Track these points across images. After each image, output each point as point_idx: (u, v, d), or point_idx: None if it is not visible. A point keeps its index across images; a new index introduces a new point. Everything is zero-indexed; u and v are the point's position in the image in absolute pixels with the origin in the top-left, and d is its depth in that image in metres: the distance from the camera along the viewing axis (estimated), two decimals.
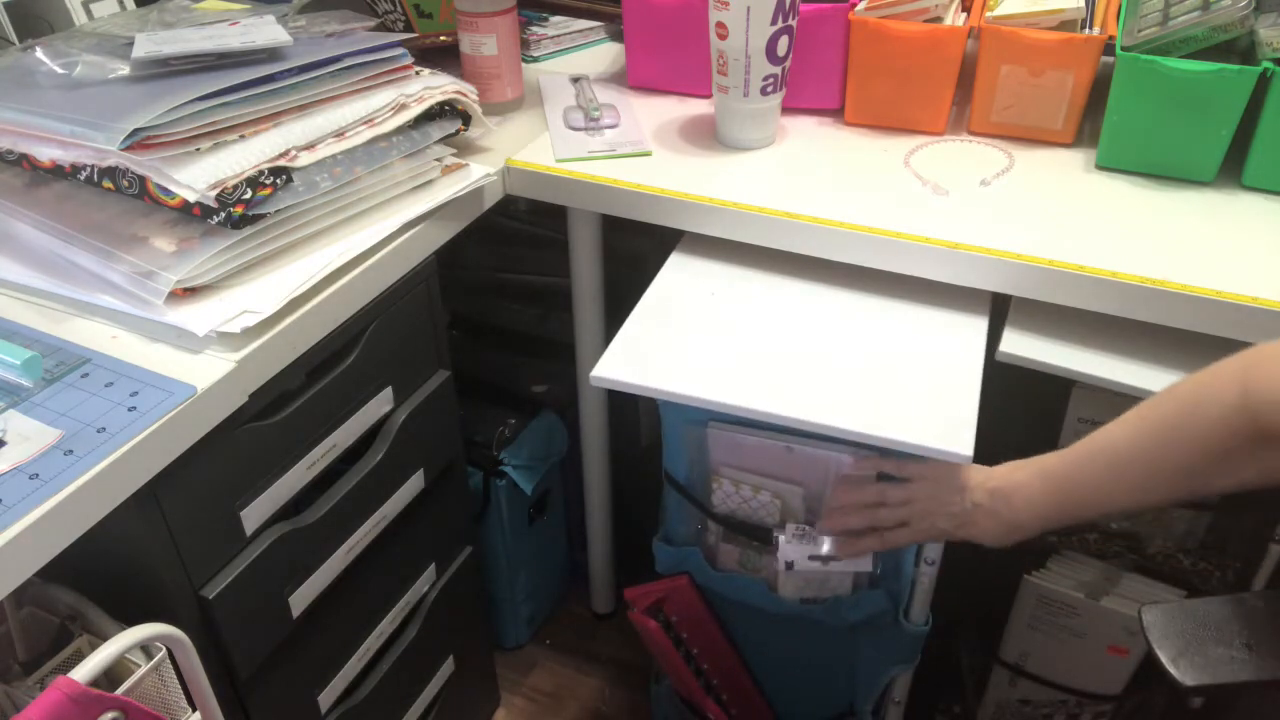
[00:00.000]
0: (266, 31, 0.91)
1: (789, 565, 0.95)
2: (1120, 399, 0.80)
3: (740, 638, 1.13)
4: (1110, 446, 0.73)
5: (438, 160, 0.96)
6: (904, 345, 0.90)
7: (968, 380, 0.86)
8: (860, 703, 1.11)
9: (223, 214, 0.79)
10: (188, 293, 0.80)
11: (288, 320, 0.81)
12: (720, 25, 0.98)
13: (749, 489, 0.96)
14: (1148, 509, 0.83)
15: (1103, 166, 1.00)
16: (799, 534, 0.93)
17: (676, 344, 0.90)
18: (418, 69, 0.98)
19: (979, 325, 0.92)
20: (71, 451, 0.67)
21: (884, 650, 1.03)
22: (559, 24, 1.33)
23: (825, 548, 0.93)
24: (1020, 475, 0.79)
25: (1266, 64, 0.89)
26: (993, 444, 0.84)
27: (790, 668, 1.14)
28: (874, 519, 0.88)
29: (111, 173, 0.82)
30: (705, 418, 0.94)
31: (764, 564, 1.01)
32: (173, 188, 0.78)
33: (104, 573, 0.79)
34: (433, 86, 0.96)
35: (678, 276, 1.00)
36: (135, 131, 0.77)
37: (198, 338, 0.76)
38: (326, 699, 1.03)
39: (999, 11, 1.01)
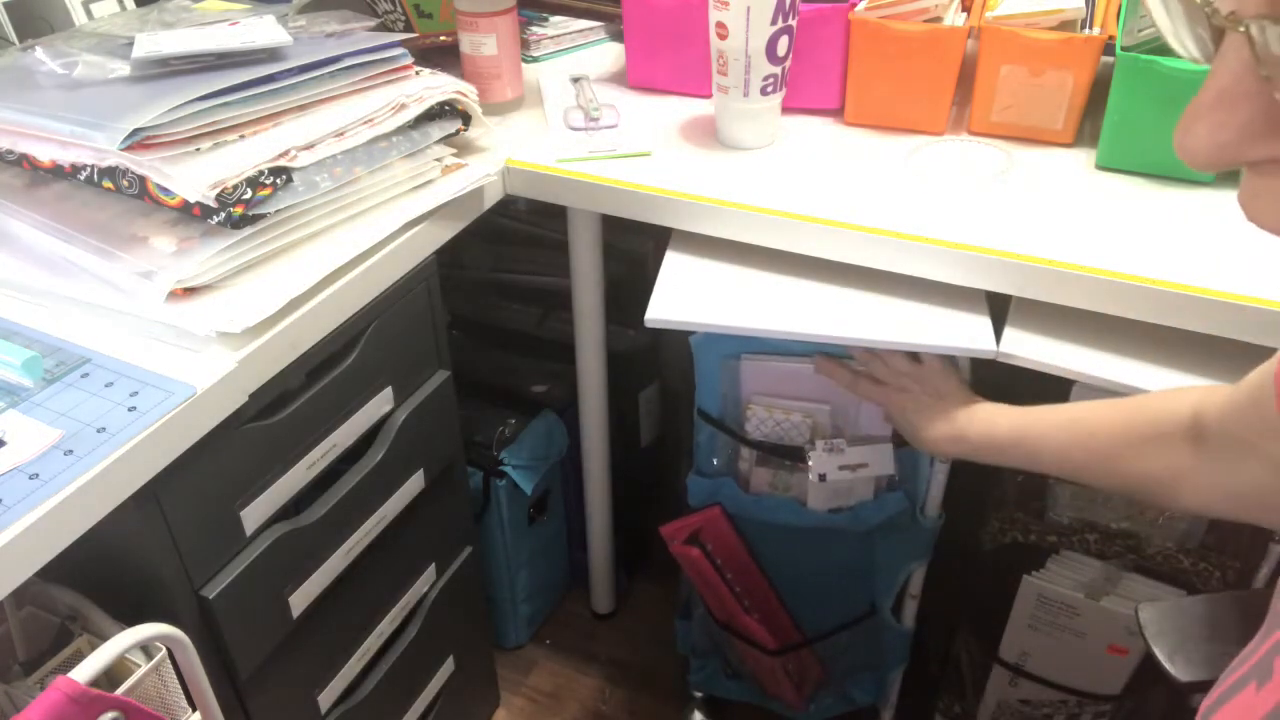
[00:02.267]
0: (266, 31, 0.91)
1: (822, 477, 1.05)
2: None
3: (767, 559, 1.22)
4: (1078, 433, 0.82)
5: (438, 160, 0.96)
6: (911, 315, 0.96)
7: (978, 312, 0.94)
8: (881, 600, 1.21)
9: (223, 214, 0.79)
10: (188, 292, 0.79)
11: (288, 320, 0.81)
12: (720, 25, 0.98)
13: (780, 413, 1.05)
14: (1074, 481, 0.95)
15: (1103, 166, 1.00)
16: (829, 448, 1.04)
17: (710, 293, 0.98)
18: (418, 69, 0.98)
19: (982, 320, 0.93)
20: (71, 451, 0.67)
21: (902, 548, 1.13)
22: (559, 24, 1.33)
23: (853, 459, 1.05)
24: (992, 407, 0.91)
25: None
26: None
27: (814, 580, 1.23)
28: (879, 372, 0.99)
29: (111, 173, 0.82)
30: (738, 351, 1.03)
31: (794, 482, 1.11)
32: (173, 188, 0.78)
33: (104, 573, 0.79)
34: (433, 86, 0.96)
35: (682, 260, 1.03)
36: (135, 131, 0.77)
37: (198, 338, 0.76)
38: (326, 699, 1.03)
39: (999, 11, 1.01)
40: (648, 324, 0.95)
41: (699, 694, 1.44)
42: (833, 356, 1.01)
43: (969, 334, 0.91)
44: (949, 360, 0.96)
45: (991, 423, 0.89)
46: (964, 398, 0.93)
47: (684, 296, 0.97)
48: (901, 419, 0.98)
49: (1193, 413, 0.72)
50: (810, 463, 1.05)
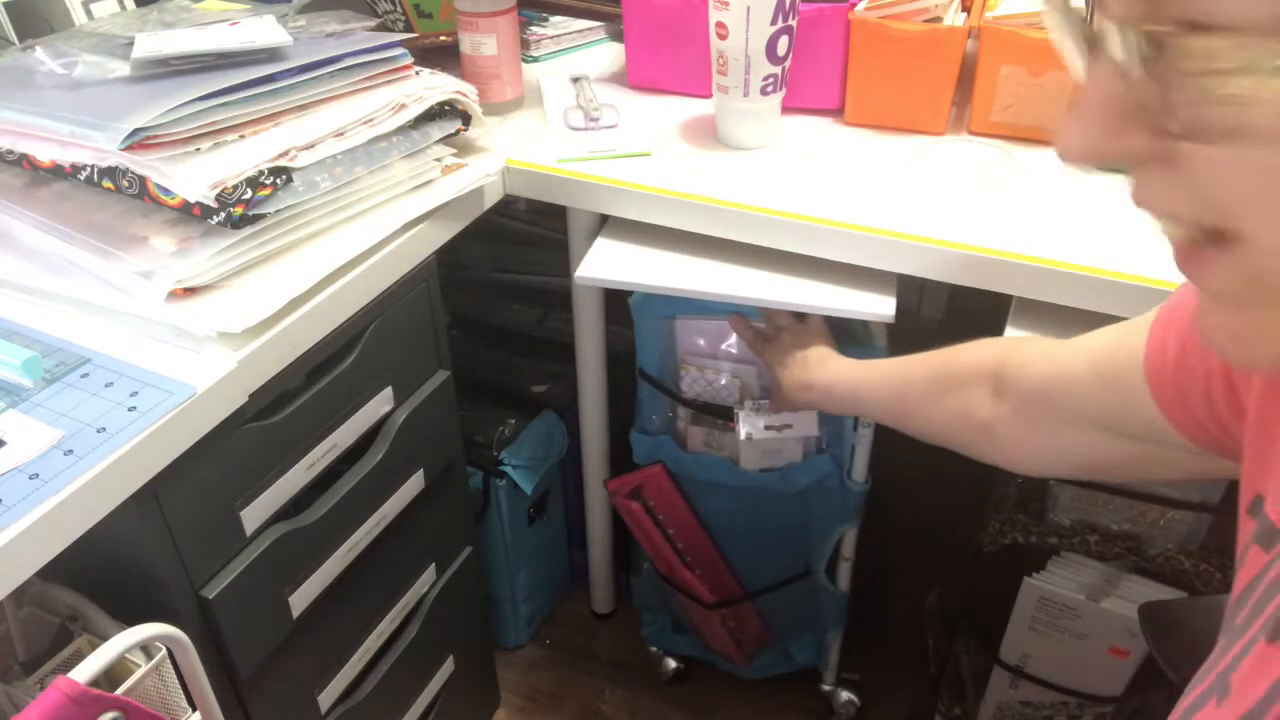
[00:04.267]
0: (266, 31, 0.91)
1: (748, 437, 1.10)
2: None
3: (708, 515, 1.28)
4: (898, 383, 0.85)
5: (438, 160, 0.96)
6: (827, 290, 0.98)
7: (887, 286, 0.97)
8: (815, 562, 1.26)
9: (223, 214, 0.79)
10: (188, 292, 0.79)
11: (288, 320, 0.81)
12: (720, 25, 0.98)
13: (712, 373, 1.12)
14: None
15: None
16: (756, 408, 1.10)
17: (645, 255, 1.02)
18: (417, 69, 0.98)
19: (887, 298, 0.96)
20: (71, 451, 0.67)
21: (832, 510, 1.19)
22: (559, 24, 1.33)
23: (777, 420, 1.10)
24: (839, 362, 0.95)
25: None
26: None
27: (752, 538, 1.28)
28: (769, 329, 1.06)
29: (111, 173, 0.82)
30: (673, 312, 1.10)
31: (727, 441, 1.16)
32: (173, 188, 0.78)
33: (104, 573, 0.79)
34: (432, 86, 0.96)
35: (614, 242, 1.05)
36: (135, 131, 0.77)
37: (197, 338, 0.76)
38: (326, 699, 1.03)
39: (999, 11, 1.01)
40: (577, 281, 1.00)
41: (653, 648, 1.49)
42: (743, 316, 1.07)
43: (873, 304, 0.95)
44: (826, 322, 1.02)
45: (833, 375, 0.93)
46: (823, 352, 0.97)
47: (616, 261, 1.01)
48: (771, 370, 1.02)
49: (995, 366, 0.72)
50: (739, 422, 1.09)
